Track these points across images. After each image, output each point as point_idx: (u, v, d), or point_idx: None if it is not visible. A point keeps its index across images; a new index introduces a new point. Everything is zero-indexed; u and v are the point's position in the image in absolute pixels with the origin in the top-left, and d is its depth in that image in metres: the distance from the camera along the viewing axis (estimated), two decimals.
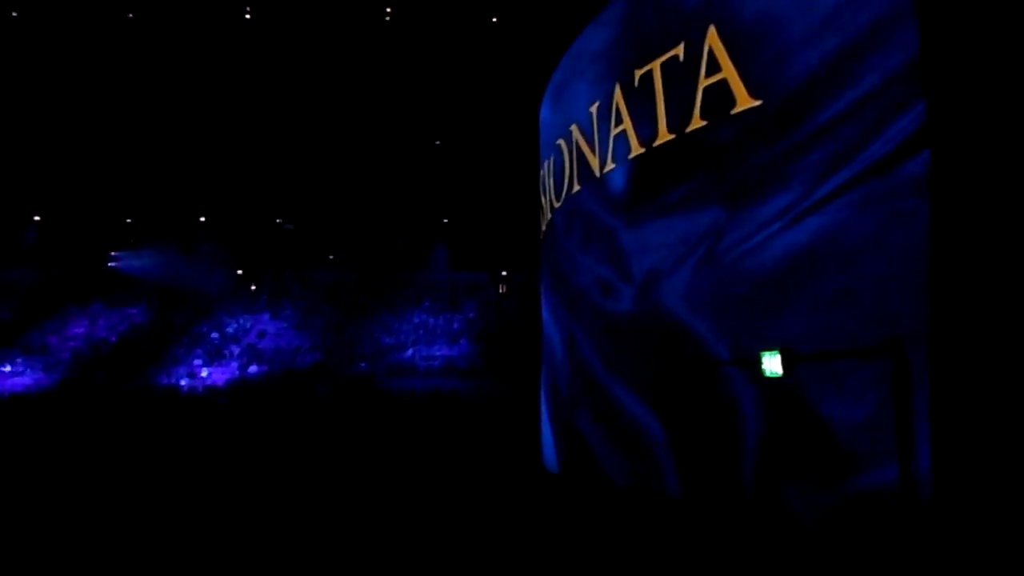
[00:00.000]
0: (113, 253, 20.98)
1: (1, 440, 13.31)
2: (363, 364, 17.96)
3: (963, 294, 4.35)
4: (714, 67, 6.01)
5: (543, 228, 10.29)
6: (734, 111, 5.81)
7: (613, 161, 7.57)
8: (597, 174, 7.93)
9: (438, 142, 20.42)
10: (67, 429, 13.93)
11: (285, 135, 19.86)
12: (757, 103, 5.63)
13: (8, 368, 17.35)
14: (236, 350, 18.43)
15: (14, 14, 16.14)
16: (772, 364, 5.28)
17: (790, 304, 5.36)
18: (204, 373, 17.46)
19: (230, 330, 19.26)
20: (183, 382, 17.03)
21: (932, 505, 4.30)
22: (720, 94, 5.95)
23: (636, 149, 7.12)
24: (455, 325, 19.62)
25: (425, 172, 20.73)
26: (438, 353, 18.40)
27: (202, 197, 20.64)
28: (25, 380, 17.01)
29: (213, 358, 18.10)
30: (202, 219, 21.25)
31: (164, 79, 18.64)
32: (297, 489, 9.28)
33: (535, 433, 10.32)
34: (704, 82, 6.12)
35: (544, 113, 10.18)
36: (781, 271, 5.44)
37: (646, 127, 6.95)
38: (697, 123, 6.24)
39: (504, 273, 21.59)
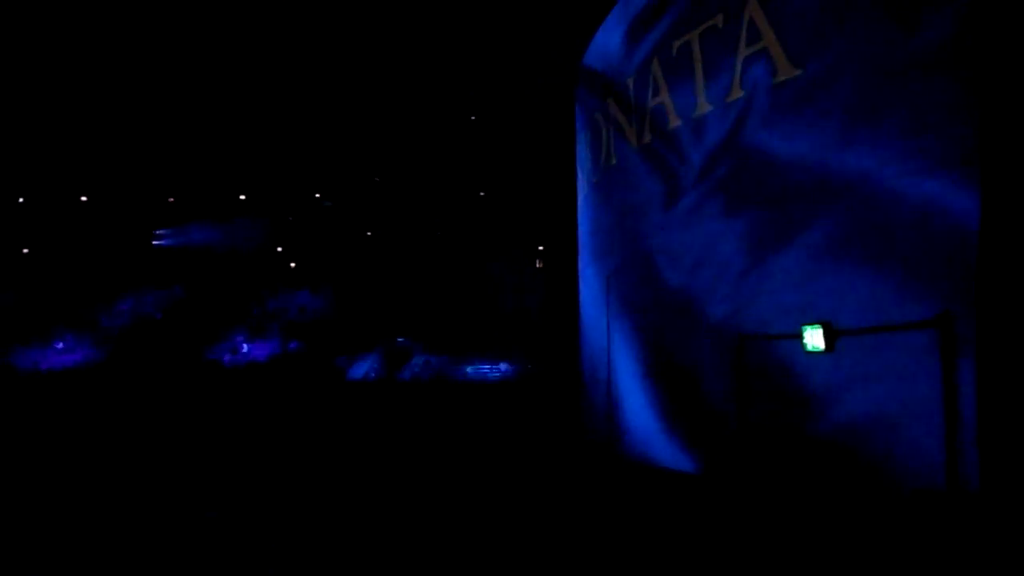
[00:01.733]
0: (158, 231, 21.40)
1: (56, 412, 13.77)
2: (400, 339, 18.15)
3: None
4: (754, 36, 5.87)
5: (579, 202, 10.21)
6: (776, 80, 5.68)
7: (650, 133, 7.47)
8: (635, 146, 7.83)
9: (473, 117, 20.31)
10: (115, 402, 14.35)
11: (323, 114, 19.94)
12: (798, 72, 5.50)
13: (60, 345, 17.89)
14: (277, 326, 18.76)
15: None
16: (814, 338, 5.22)
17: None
18: (246, 348, 17.81)
19: (271, 306, 19.59)
20: (226, 357, 17.41)
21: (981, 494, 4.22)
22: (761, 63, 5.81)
23: (674, 121, 7.01)
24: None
25: (461, 148, 20.67)
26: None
27: (242, 175, 20.89)
28: (76, 356, 17.56)
29: (255, 334, 18.44)
30: (242, 197, 21.52)
31: (201, 67, 18.80)
32: (333, 460, 9.44)
33: (576, 410, 10.28)
34: (744, 52, 5.99)
35: (581, 89, 10.07)
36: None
37: (685, 98, 6.83)
38: (737, 93, 6.11)
39: (541, 248, 21.53)
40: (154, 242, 21.28)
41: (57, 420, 13.23)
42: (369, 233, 22.25)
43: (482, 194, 21.71)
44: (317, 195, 21.83)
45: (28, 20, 17.01)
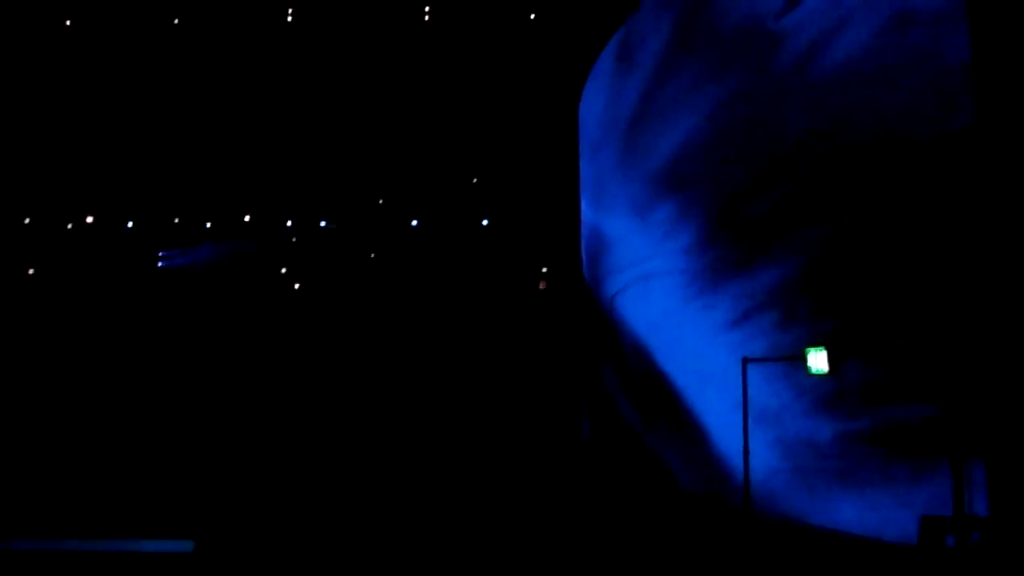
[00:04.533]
0: (162, 253, 21.47)
1: None
2: None
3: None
4: None
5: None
6: None
7: None
8: None
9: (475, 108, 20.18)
10: None
11: (326, 135, 20.07)
12: None
13: None
14: None
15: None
16: (818, 361, 5.16)
17: None
18: None
19: None
20: None
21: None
22: None
23: None
24: None
25: (464, 169, 20.71)
26: None
27: (246, 196, 20.99)
28: None
29: None
30: (247, 218, 21.60)
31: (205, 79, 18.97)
32: None
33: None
34: None
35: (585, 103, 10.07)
36: None
37: None
38: None
39: (544, 270, 21.49)
40: (159, 263, 21.35)
41: None
42: (372, 255, 22.28)
43: (485, 223, 21.70)
44: (321, 222, 21.90)
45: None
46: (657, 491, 7.93)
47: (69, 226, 20.74)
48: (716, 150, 7.18)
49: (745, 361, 6.10)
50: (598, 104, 9.25)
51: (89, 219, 21.09)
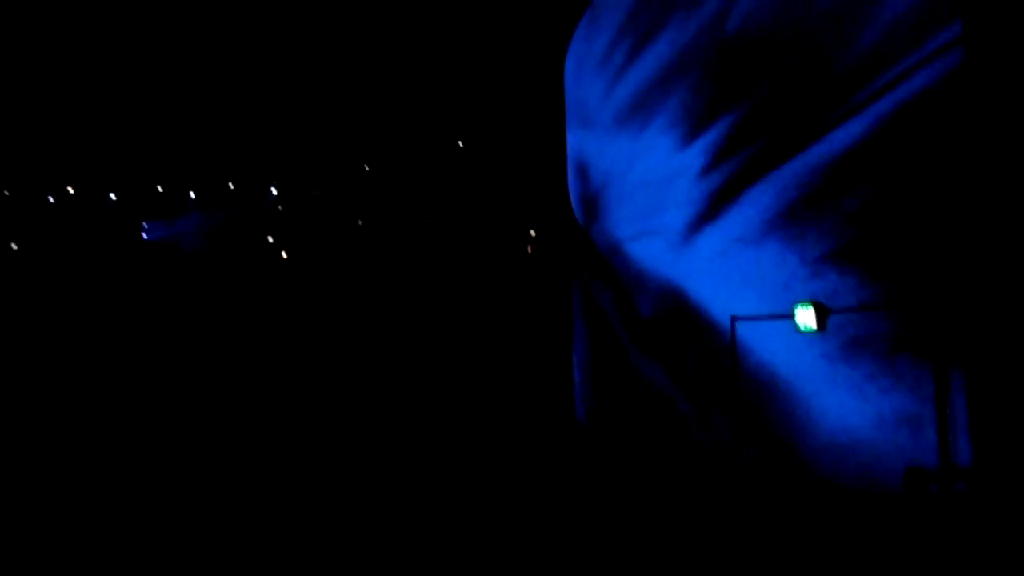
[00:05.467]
0: (145, 224, 21.28)
1: None
2: None
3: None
4: None
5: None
6: None
7: None
8: None
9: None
10: None
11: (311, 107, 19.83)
12: None
13: None
14: None
15: None
16: (806, 317, 5.21)
17: None
18: None
19: None
20: None
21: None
22: None
23: None
24: None
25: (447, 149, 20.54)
26: None
27: (230, 165, 20.78)
28: None
29: None
30: (231, 185, 21.40)
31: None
32: None
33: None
34: None
35: (568, 66, 9.88)
36: None
37: None
38: None
39: (533, 233, 21.47)
40: (142, 233, 21.17)
41: None
42: (360, 222, 22.17)
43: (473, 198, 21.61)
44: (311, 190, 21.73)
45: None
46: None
47: (51, 199, 20.49)
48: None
49: (733, 319, 6.14)
50: (586, 64, 9.07)
51: (70, 190, 20.83)
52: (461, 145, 20.51)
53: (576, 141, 9.26)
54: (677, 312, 6.72)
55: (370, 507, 6.22)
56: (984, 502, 3.97)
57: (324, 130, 20.21)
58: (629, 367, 7.53)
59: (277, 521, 5.98)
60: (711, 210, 6.33)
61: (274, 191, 20.97)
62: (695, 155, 6.52)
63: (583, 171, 9.02)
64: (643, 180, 7.30)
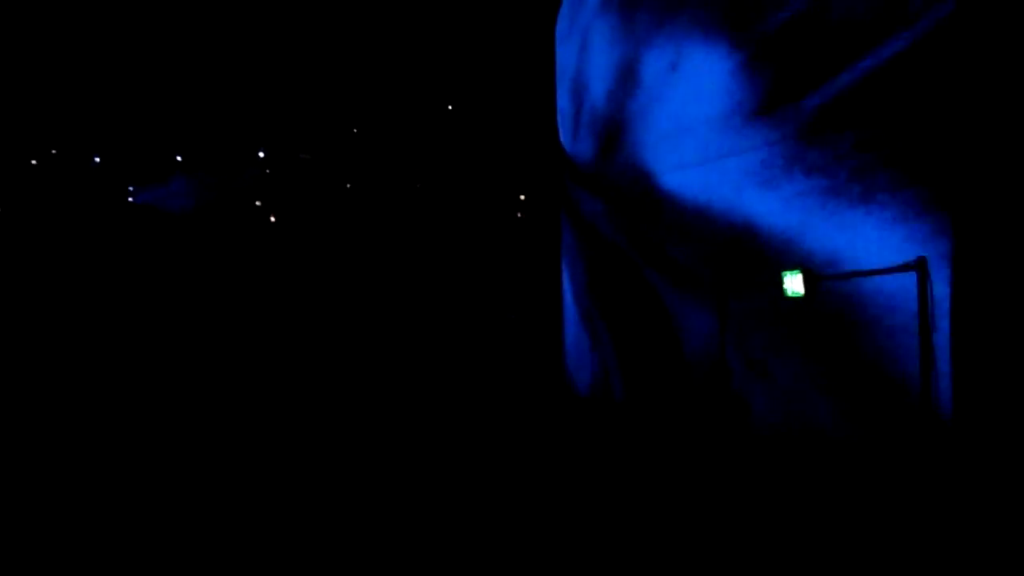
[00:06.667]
0: (131, 188, 21.04)
1: None
2: None
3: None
4: None
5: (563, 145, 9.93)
6: None
7: None
8: None
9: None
10: None
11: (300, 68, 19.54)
12: None
13: None
14: None
15: None
16: (794, 284, 5.24)
17: None
18: None
19: None
20: None
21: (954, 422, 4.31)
22: None
23: None
24: None
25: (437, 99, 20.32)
26: None
27: (217, 128, 20.52)
28: None
29: None
30: (218, 148, 21.13)
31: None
32: None
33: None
34: None
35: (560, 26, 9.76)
36: None
37: None
38: None
39: (522, 197, 21.41)
40: (129, 198, 20.96)
41: None
42: (348, 186, 22.03)
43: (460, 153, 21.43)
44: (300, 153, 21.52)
45: None
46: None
47: (33, 161, 20.19)
48: None
49: (725, 294, 6.14)
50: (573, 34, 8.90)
51: (53, 152, 20.52)
52: (450, 108, 20.31)
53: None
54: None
55: (362, 473, 6.28)
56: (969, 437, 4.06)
57: (311, 93, 19.95)
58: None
59: (255, 464, 6.04)
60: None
61: (261, 154, 20.74)
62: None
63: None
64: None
